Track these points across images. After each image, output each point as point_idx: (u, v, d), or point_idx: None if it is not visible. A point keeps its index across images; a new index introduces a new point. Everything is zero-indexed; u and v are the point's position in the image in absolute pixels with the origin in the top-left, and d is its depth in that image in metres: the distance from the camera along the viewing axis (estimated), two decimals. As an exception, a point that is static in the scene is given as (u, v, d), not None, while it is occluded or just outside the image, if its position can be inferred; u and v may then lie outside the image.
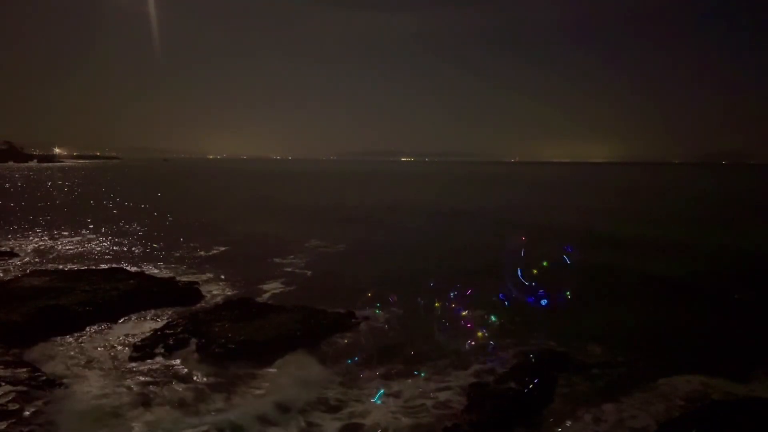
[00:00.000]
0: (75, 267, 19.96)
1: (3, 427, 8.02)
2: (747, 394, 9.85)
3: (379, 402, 9.65)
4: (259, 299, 15.83)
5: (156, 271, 19.91)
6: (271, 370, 10.88)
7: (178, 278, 18.42)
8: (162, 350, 11.42)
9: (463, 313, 15.13)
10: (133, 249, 25.23)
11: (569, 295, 13.52)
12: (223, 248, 25.53)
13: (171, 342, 11.65)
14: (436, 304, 16.16)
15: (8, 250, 23.44)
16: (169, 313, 14.40)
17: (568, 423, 9.01)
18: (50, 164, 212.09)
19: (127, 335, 12.75)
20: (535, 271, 13.38)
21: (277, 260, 22.79)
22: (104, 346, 12.03)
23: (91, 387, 9.84)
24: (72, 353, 11.56)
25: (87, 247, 25.52)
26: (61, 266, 20.08)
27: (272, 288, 18.05)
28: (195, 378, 10.43)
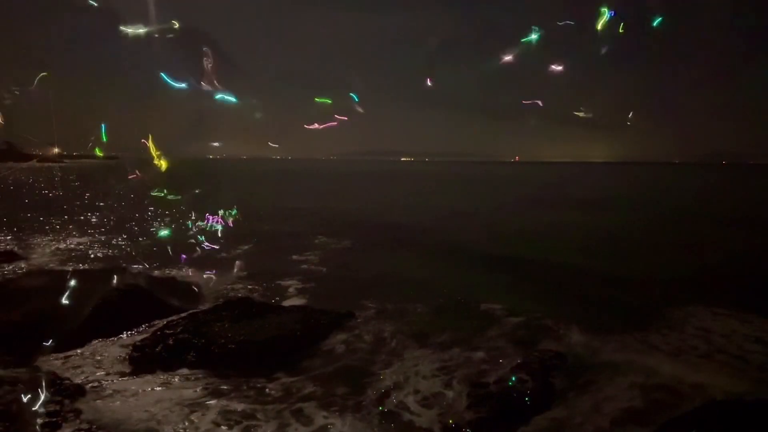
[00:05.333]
0: (75, 267, 19.93)
1: (3, 427, 8.02)
2: (748, 393, 9.85)
3: (377, 401, 9.65)
4: (260, 298, 15.83)
5: (157, 270, 19.90)
6: (270, 370, 10.88)
7: (178, 278, 18.43)
8: (162, 350, 11.42)
9: (462, 313, 15.18)
10: (133, 248, 25.22)
11: None
12: (223, 247, 25.48)
13: (171, 342, 11.65)
14: (436, 303, 16.22)
15: (8, 249, 23.44)
16: (170, 313, 14.38)
17: (568, 422, 9.01)
18: (50, 164, 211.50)
19: (127, 335, 12.77)
20: None
21: (281, 259, 22.99)
22: (104, 346, 12.06)
23: (90, 387, 9.86)
24: (72, 353, 11.59)
25: (88, 247, 25.52)
26: (61, 266, 20.08)
27: (275, 286, 18.09)
28: (194, 378, 10.45)
